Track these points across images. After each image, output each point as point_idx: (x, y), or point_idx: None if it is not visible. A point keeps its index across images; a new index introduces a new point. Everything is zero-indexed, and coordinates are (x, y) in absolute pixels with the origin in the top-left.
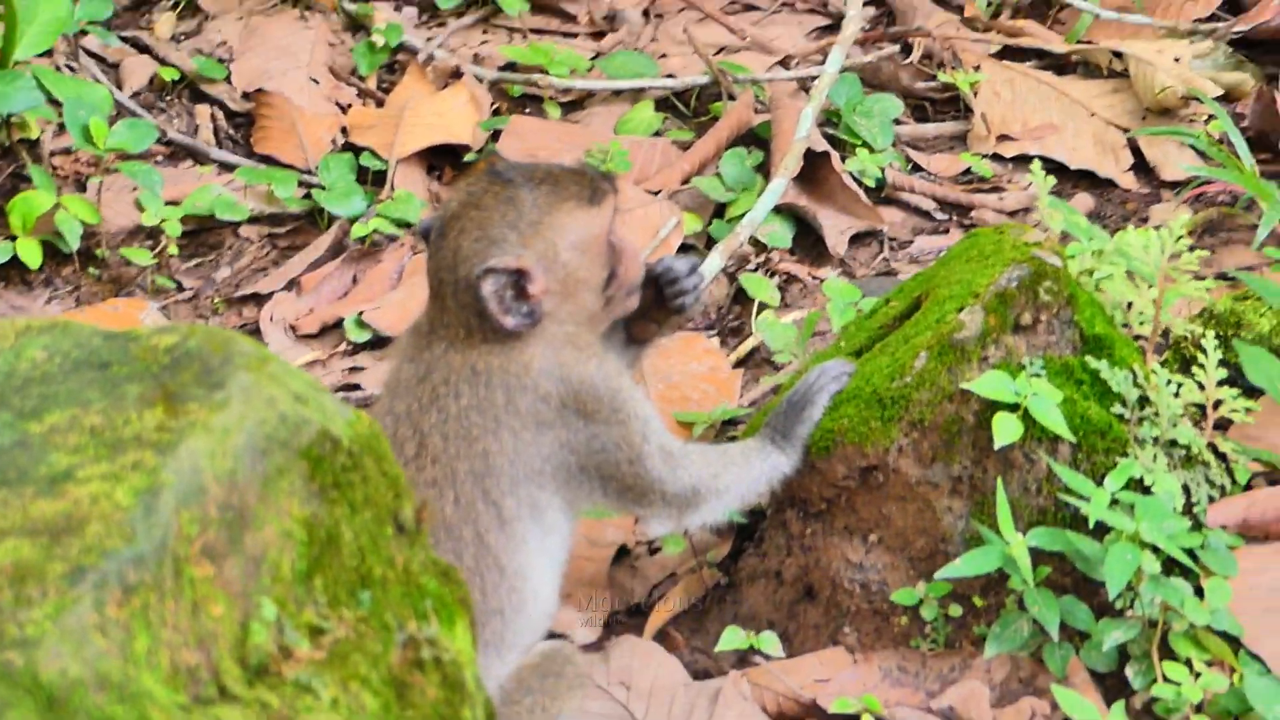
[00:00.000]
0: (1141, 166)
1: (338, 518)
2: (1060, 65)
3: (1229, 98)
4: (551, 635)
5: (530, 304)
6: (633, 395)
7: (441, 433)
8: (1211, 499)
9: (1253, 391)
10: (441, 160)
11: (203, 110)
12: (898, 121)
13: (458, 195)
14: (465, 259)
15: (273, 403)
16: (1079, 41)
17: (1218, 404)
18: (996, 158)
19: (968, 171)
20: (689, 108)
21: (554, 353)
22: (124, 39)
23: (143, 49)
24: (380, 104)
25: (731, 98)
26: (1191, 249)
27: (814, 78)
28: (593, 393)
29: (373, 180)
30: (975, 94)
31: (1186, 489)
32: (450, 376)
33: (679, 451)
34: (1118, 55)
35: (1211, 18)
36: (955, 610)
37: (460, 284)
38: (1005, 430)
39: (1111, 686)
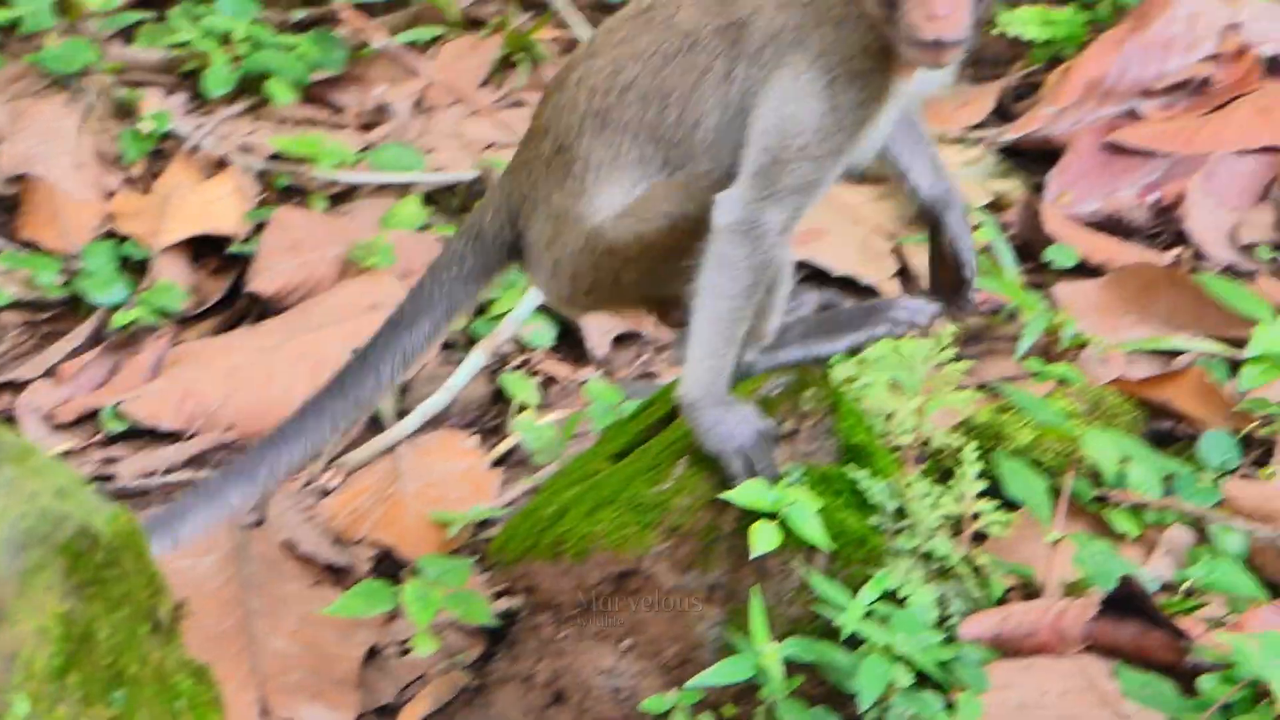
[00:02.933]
0: (906, 273)
1: (94, 614)
2: None
3: (996, 206)
4: None
5: None
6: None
7: None
8: (966, 612)
9: (1011, 504)
10: (206, 250)
11: None
12: None
13: None
14: None
15: (34, 497)
16: None
17: (975, 516)
18: None
19: None
20: (456, 203)
21: (856, 25)
22: None
23: None
24: (146, 191)
25: None
26: (955, 359)
27: None
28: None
29: (136, 268)
30: None
31: (942, 601)
32: None
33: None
34: None
35: (981, 125)
36: (706, 719)
37: None
38: (762, 539)
39: None
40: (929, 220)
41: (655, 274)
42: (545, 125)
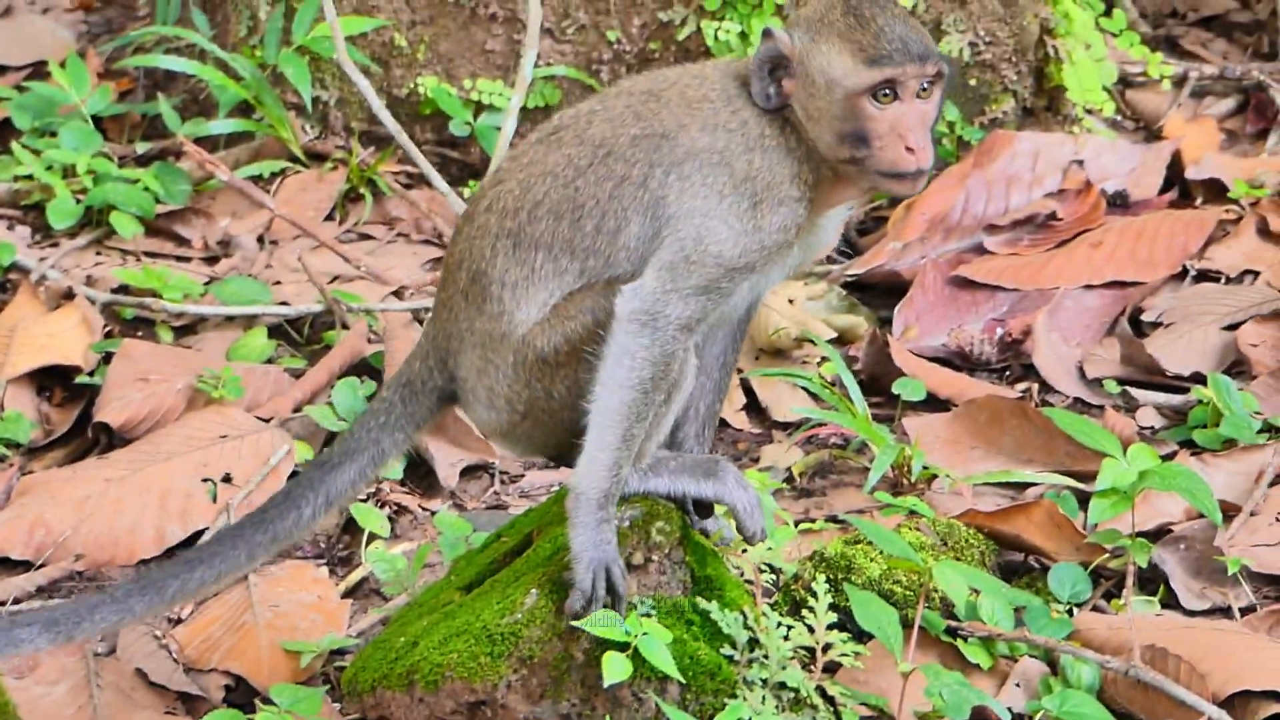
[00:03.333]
0: (754, 407)
1: None
2: None
3: (842, 340)
4: None
5: (776, 92)
6: (765, 239)
7: (681, 90)
8: None
9: (862, 635)
10: (52, 381)
11: None
12: None
13: None
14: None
15: None
16: None
17: (827, 647)
18: None
19: None
20: (302, 335)
21: (787, 155)
22: None
23: None
24: None
25: (345, 326)
26: (804, 492)
27: (428, 309)
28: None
29: None
30: None
31: None
32: (724, 82)
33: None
34: None
35: (826, 260)
36: None
37: None
38: (614, 669)
39: None
40: None
41: (585, 384)
42: (459, 259)
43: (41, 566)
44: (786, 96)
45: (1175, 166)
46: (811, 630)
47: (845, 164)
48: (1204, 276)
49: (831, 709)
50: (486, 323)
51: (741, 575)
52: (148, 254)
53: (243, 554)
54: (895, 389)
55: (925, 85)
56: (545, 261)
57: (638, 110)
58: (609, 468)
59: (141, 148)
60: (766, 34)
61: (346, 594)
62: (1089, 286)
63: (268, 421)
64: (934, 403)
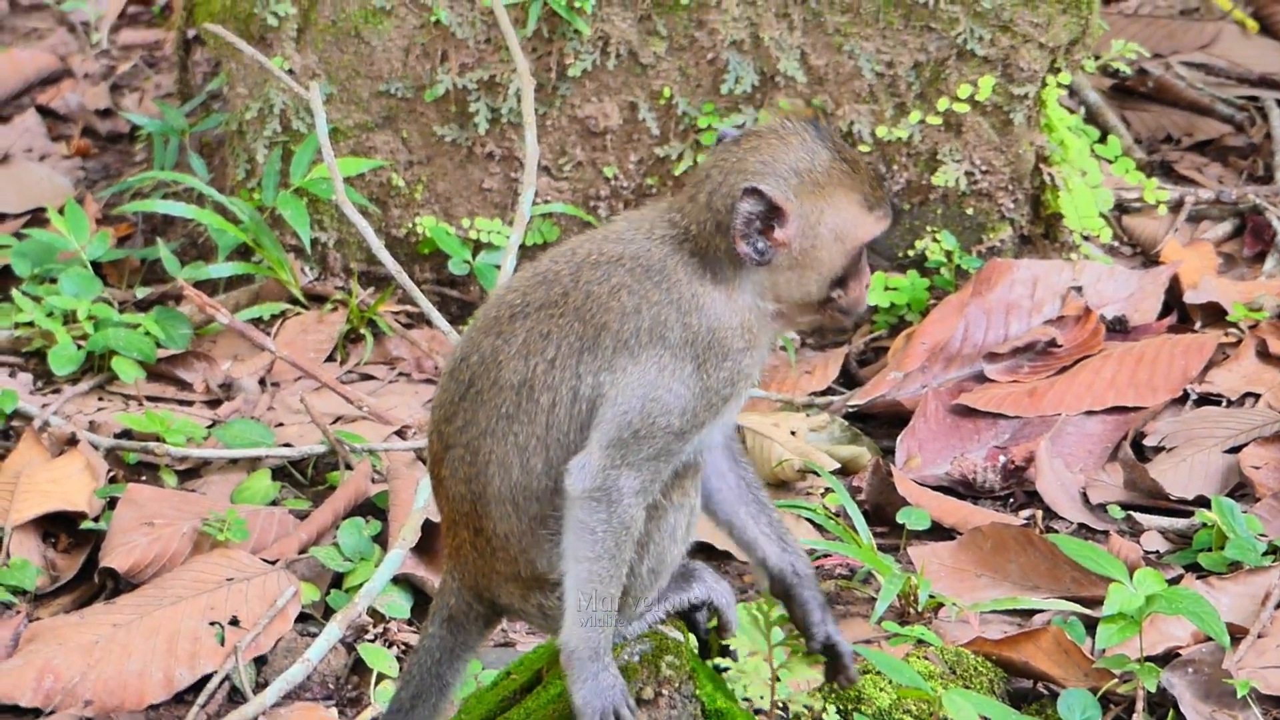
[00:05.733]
0: None
1: None
2: None
3: (846, 471)
4: None
5: (769, 246)
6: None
7: (585, 290)
8: None
9: None
10: (57, 527)
11: None
12: None
13: (768, 122)
14: (743, 170)
15: None
16: None
17: None
18: None
19: None
20: (306, 477)
21: (727, 306)
22: None
23: None
24: None
25: (349, 467)
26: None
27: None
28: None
29: None
30: None
31: None
32: (633, 253)
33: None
34: None
35: (828, 391)
36: None
37: (723, 189)
38: None
39: None
40: (778, 592)
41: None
42: (453, 517)
43: (51, 714)
44: (779, 247)
45: (1174, 291)
46: None
47: (810, 305)
48: (1205, 400)
49: None
50: (507, 566)
51: (752, 707)
52: (150, 398)
53: None
54: (900, 518)
55: None
56: (519, 514)
57: (543, 331)
58: (596, 625)
59: (141, 292)
60: (752, 191)
61: None
62: (1090, 412)
63: (273, 563)
64: (939, 531)
